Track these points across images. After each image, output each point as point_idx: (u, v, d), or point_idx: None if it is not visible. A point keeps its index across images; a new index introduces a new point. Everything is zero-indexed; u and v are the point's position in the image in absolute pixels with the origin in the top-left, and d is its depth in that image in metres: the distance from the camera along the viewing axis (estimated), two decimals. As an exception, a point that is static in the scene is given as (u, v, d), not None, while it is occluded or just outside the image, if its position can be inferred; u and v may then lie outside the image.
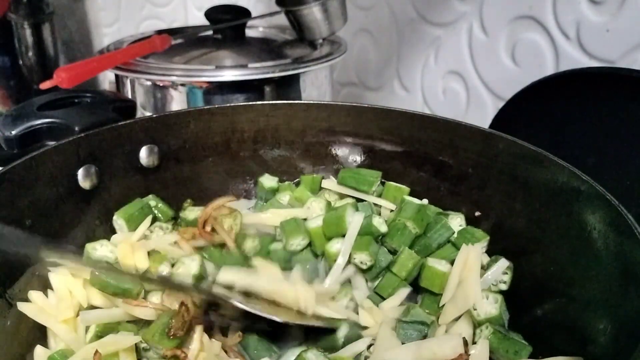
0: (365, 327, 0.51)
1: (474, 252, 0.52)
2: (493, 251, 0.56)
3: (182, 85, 0.80)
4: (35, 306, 0.50)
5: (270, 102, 0.67)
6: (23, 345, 0.48)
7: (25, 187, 0.52)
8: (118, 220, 0.59)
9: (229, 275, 0.51)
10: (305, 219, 0.60)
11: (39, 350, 0.48)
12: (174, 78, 0.79)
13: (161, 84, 0.81)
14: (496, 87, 0.88)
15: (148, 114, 0.82)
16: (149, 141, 0.62)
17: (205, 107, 0.65)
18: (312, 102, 0.67)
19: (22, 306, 0.49)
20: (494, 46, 0.86)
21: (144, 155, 0.62)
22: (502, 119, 0.75)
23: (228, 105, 0.66)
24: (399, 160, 0.64)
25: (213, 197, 0.61)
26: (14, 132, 0.60)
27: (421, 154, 0.62)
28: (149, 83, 0.82)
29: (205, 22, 0.94)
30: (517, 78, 0.82)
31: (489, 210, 0.57)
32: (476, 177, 0.58)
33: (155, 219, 0.61)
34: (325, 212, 0.61)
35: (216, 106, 0.66)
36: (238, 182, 0.68)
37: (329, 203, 0.62)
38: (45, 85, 0.70)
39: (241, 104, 0.66)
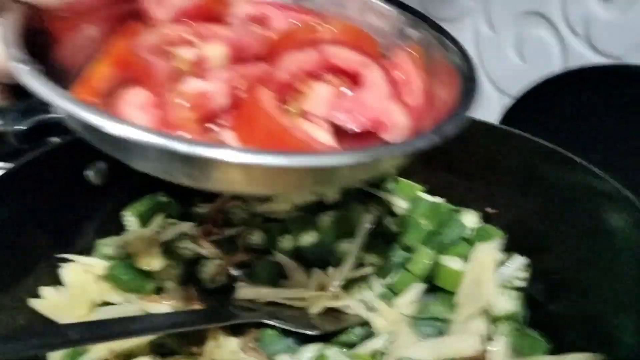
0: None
1: (488, 250, 0.52)
2: (509, 248, 0.55)
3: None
4: (48, 303, 0.49)
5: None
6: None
7: (36, 183, 0.51)
8: (128, 217, 0.59)
9: (248, 291, 0.51)
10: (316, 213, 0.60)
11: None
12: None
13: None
14: (502, 83, 0.88)
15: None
16: (160, 137, 0.61)
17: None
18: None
19: (34, 303, 0.49)
20: (500, 42, 0.86)
21: (155, 151, 0.61)
22: (512, 116, 0.74)
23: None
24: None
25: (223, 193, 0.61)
26: (24, 127, 0.59)
27: (434, 151, 0.62)
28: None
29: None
30: (524, 74, 0.82)
31: (503, 207, 0.57)
32: (490, 174, 0.58)
33: (165, 216, 0.60)
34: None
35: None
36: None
37: None
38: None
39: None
